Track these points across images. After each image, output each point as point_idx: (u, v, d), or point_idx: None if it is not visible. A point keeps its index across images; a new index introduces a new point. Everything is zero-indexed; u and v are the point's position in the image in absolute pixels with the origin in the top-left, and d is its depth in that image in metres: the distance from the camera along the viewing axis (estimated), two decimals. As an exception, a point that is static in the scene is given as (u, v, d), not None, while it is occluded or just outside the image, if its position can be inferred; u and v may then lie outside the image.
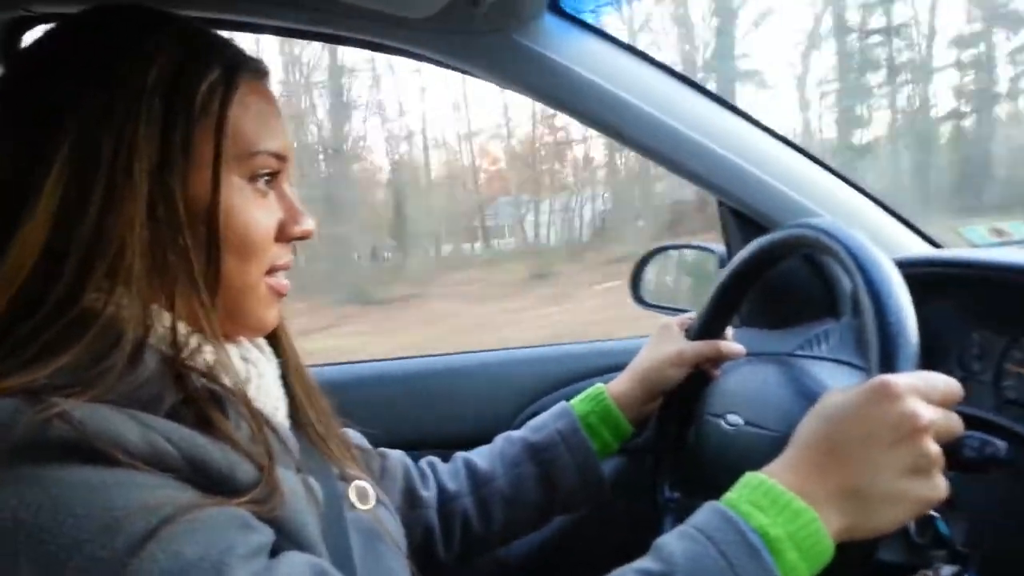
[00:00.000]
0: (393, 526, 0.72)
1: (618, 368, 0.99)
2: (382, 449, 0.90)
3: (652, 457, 0.98)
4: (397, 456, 0.91)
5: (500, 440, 0.95)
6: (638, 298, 1.38)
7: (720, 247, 1.25)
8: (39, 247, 0.53)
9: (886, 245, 0.96)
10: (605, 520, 1.11)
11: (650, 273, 1.40)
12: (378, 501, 0.72)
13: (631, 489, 1.04)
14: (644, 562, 0.58)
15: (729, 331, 0.98)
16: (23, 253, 0.53)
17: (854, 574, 0.61)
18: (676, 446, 0.95)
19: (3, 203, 0.55)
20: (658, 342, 0.97)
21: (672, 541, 0.58)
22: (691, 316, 0.99)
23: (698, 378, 0.95)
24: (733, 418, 0.85)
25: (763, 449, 0.77)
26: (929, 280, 0.88)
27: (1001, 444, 0.61)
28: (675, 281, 1.47)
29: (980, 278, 0.88)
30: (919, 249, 1.12)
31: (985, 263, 0.88)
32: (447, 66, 1.05)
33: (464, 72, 1.05)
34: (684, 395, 0.95)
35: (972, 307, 0.88)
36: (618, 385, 0.96)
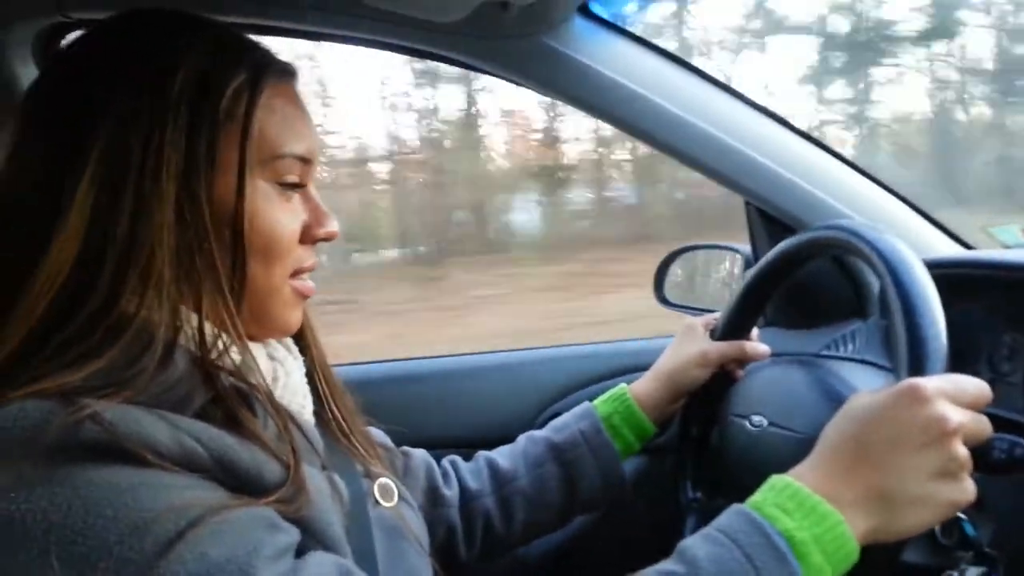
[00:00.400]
0: (416, 524, 0.73)
1: (641, 368, 0.99)
2: (405, 448, 0.90)
3: (674, 457, 0.98)
4: (420, 455, 0.92)
5: (522, 440, 0.95)
6: (661, 298, 1.37)
7: (745, 247, 1.24)
8: (74, 253, 0.54)
9: (915, 246, 0.94)
10: (626, 520, 1.11)
11: (674, 273, 1.40)
12: (401, 499, 0.73)
13: (652, 489, 1.04)
14: (668, 564, 0.58)
15: (754, 332, 0.97)
16: (59, 259, 0.54)
17: None
18: (699, 447, 0.95)
19: (36, 206, 0.56)
20: (682, 342, 0.97)
21: (696, 544, 0.58)
22: (715, 316, 0.99)
23: (722, 379, 0.95)
24: (758, 419, 0.85)
25: (788, 450, 0.77)
26: (959, 281, 0.87)
27: None
28: (699, 281, 1.47)
29: (1012, 279, 0.87)
30: (949, 250, 1.11)
31: (1017, 264, 0.87)
32: (477, 69, 1.05)
33: (494, 75, 1.06)
34: (708, 396, 0.95)
35: (1003, 308, 0.87)
36: (641, 385, 0.96)
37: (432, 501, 0.88)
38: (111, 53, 0.60)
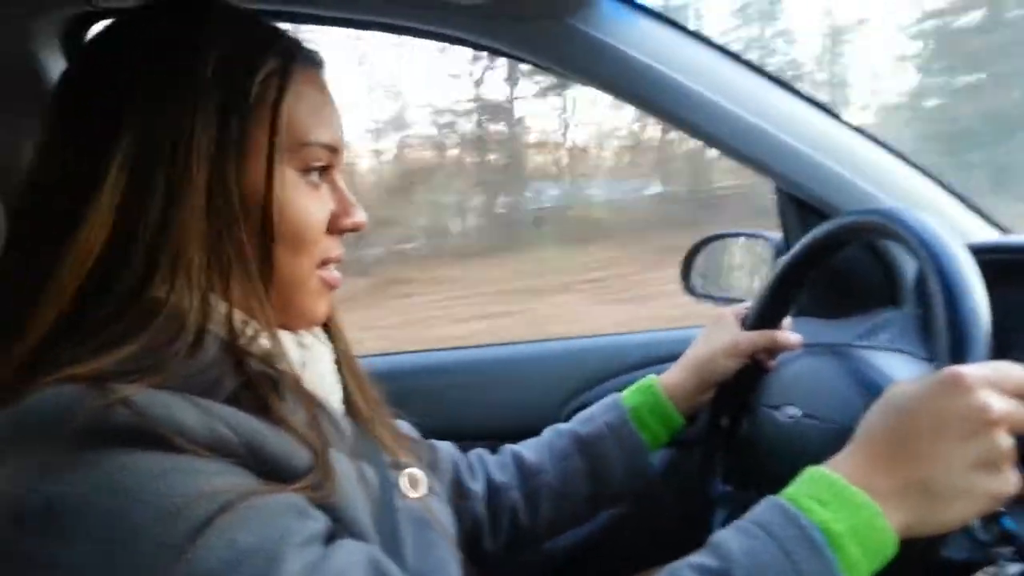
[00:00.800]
0: (444, 515, 0.73)
1: (669, 359, 0.98)
2: (432, 441, 0.90)
3: (703, 449, 0.96)
4: (446, 447, 0.92)
5: (548, 432, 0.94)
6: (689, 288, 1.35)
7: (775, 235, 1.22)
8: (104, 238, 0.54)
9: (952, 230, 0.92)
10: (654, 513, 1.10)
11: (702, 263, 1.38)
12: (429, 490, 0.72)
13: (681, 482, 1.03)
14: (700, 557, 0.57)
15: (786, 321, 0.95)
16: (89, 244, 0.54)
17: (916, 571, 0.59)
18: (728, 438, 0.94)
19: (67, 194, 0.56)
20: (712, 332, 0.95)
21: (730, 536, 0.57)
22: (746, 306, 0.97)
23: (753, 369, 0.93)
24: (790, 410, 0.83)
25: (822, 441, 0.75)
26: (998, 267, 0.84)
27: None
28: (728, 271, 1.44)
29: None
30: (986, 235, 1.08)
31: None
32: (501, 53, 1.04)
33: (518, 59, 1.04)
34: (738, 386, 0.93)
35: None
36: (670, 376, 0.94)
37: (459, 494, 0.88)
38: (140, 41, 0.60)
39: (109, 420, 0.47)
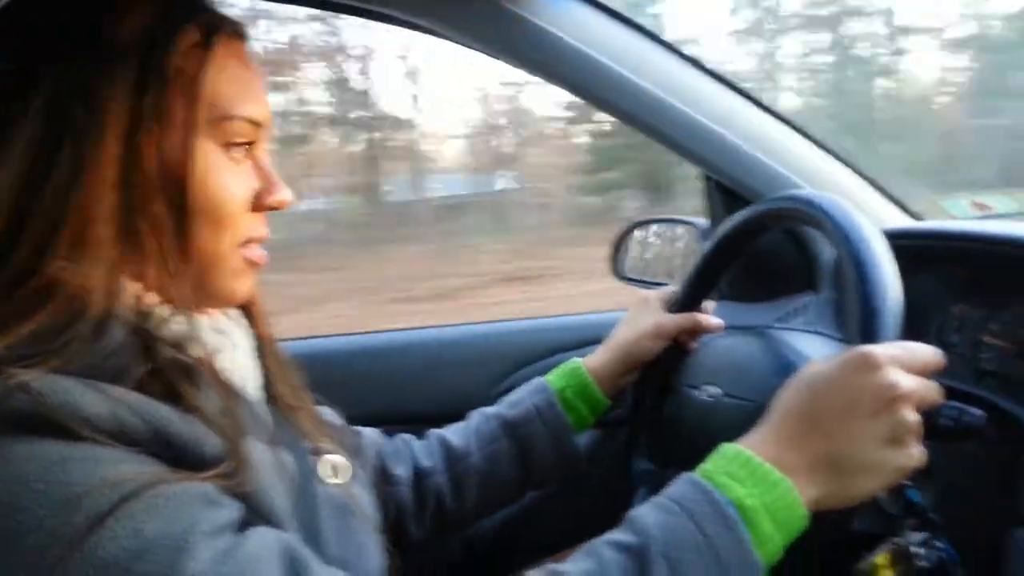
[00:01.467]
0: (366, 502, 0.72)
1: (595, 341, 0.98)
2: (355, 427, 0.89)
3: (627, 429, 0.97)
4: (370, 433, 0.90)
5: (475, 416, 0.94)
6: (617, 272, 1.37)
7: (702, 221, 1.24)
8: (7, 210, 0.52)
9: (868, 216, 0.95)
10: (579, 493, 1.11)
11: (630, 248, 1.39)
12: (352, 476, 0.71)
13: (606, 462, 1.04)
14: (618, 534, 0.57)
15: (709, 305, 0.97)
16: None
17: (827, 543, 0.61)
18: (652, 418, 0.95)
19: None
20: (637, 315, 0.96)
21: (646, 513, 0.57)
22: (671, 290, 0.98)
23: (676, 351, 0.95)
24: (711, 389, 0.85)
25: (741, 420, 0.76)
26: (910, 252, 0.87)
27: (978, 413, 0.61)
28: (655, 255, 1.46)
29: (961, 251, 0.88)
30: (900, 221, 1.12)
31: (967, 235, 0.88)
32: (436, 34, 1.02)
33: (455, 41, 1.03)
34: (662, 367, 0.95)
35: (952, 279, 0.88)
36: (595, 358, 0.95)
37: (383, 480, 0.87)
38: (57, 6, 0.57)
39: (5, 406, 0.45)
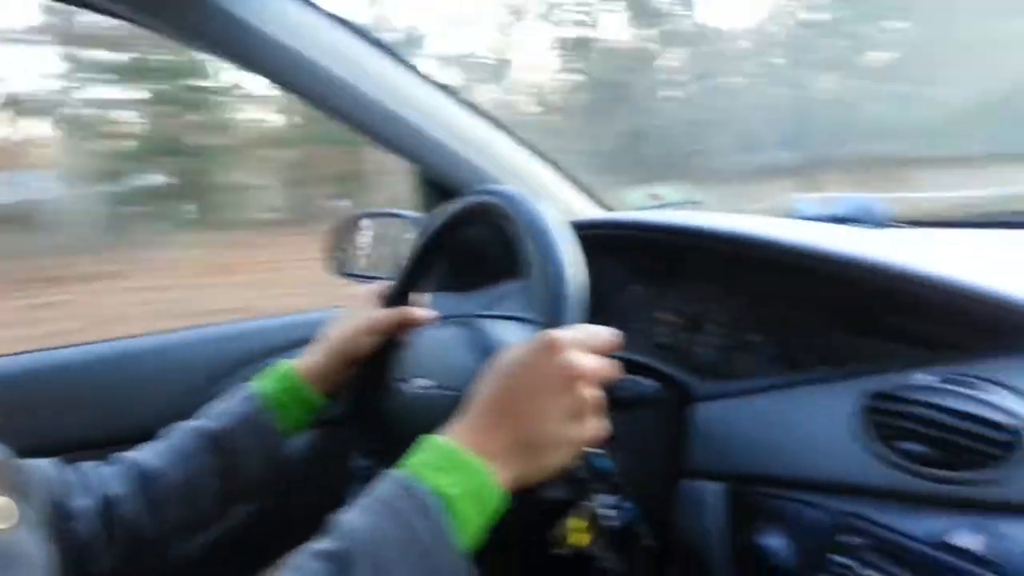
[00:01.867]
0: (34, 546, 0.62)
1: (306, 341, 0.95)
2: (20, 461, 0.76)
3: (347, 427, 0.96)
4: (41, 467, 0.78)
5: (175, 432, 0.86)
6: (336, 268, 1.34)
7: (417, 215, 1.25)
8: None
9: (564, 209, 1.02)
10: (298, 497, 1.07)
11: (352, 241, 1.36)
12: (17, 519, 0.61)
13: (326, 462, 1.01)
14: (322, 543, 0.56)
15: (426, 297, 0.98)
16: None
17: (523, 516, 0.65)
18: (369, 415, 0.94)
19: None
20: (351, 311, 0.95)
21: (352, 515, 0.57)
22: (386, 284, 0.98)
23: (391, 345, 0.95)
24: (421, 382, 0.86)
25: (449, 410, 0.78)
26: (599, 241, 0.96)
27: (648, 383, 0.68)
28: (378, 249, 1.45)
29: (633, 237, 0.98)
30: (592, 212, 1.22)
31: (635, 224, 0.98)
32: (132, 21, 0.92)
33: (151, 29, 0.93)
34: (377, 363, 0.94)
35: (630, 263, 0.98)
36: (309, 358, 0.92)
37: (59, 516, 0.75)
38: None
39: None
